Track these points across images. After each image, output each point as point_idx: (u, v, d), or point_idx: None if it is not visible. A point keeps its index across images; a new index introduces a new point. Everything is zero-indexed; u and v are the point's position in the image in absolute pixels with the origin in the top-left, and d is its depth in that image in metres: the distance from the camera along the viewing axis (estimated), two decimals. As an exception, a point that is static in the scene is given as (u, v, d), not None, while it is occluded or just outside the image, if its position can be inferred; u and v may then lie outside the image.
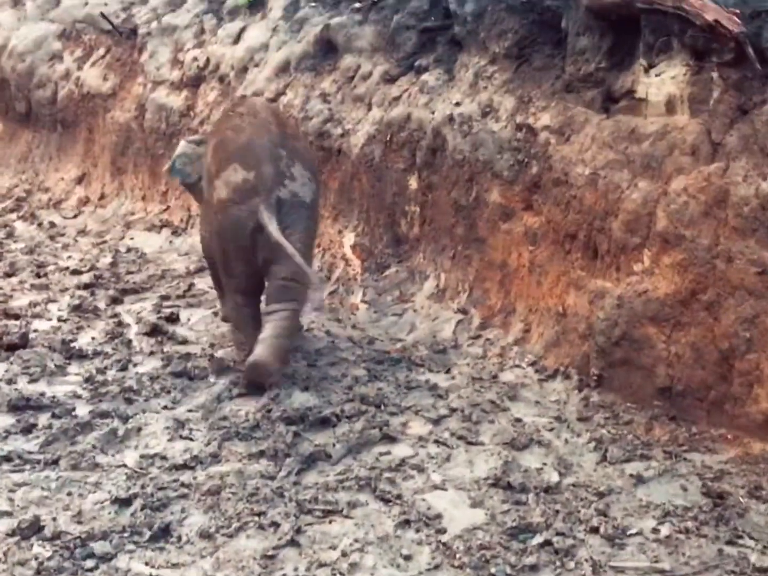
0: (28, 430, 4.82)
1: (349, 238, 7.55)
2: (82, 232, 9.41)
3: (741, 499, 4.19)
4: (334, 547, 3.83)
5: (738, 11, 4.96)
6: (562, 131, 5.84)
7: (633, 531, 3.97)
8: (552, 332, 5.72)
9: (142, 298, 7.22)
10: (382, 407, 5.18)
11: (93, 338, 6.26)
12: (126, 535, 3.87)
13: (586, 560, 3.74)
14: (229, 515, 4.03)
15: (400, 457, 4.61)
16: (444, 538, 3.90)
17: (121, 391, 5.32)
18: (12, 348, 5.91)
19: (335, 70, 8.00)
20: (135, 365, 5.80)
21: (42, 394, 5.23)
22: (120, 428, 4.83)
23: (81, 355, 5.90)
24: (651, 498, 4.24)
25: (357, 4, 8.10)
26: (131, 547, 3.81)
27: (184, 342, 6.23)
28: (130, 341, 6.20)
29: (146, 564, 3.70)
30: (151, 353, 6.00)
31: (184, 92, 9.45)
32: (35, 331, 6.29)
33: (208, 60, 9.30)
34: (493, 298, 6.28)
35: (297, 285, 5.58)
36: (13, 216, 9.99)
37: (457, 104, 6.70)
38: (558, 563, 3.73)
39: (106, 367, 5.72)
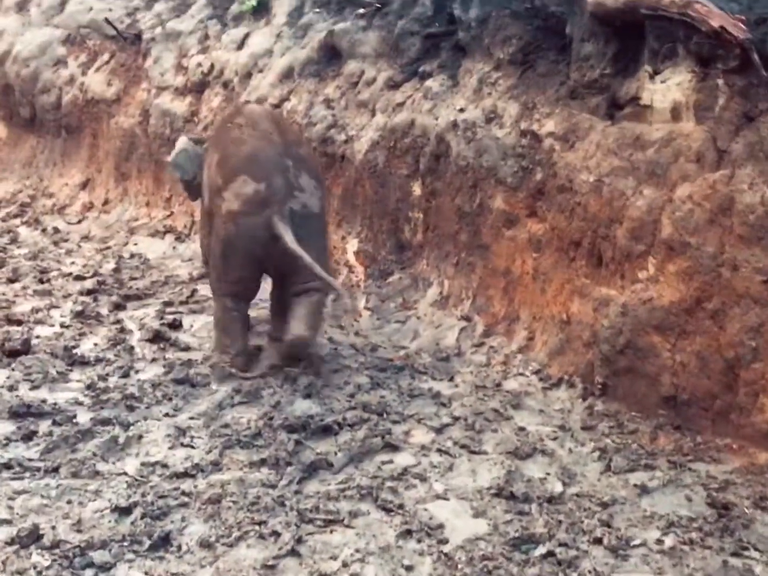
0: (28, 437, 4.80)
1: (352, 245, 7.53)
2: (86, 237, 9.40)
3: (746, 510, 4.16)
4: (334, 557, 3.81)
5: (743, 18, 4.94)
6: (566, 138, 5.82)
7: (637, 542, 3.94)
8: (556, 340, 5.69)
9: (145, 305, 7.21)
10: (385, 415, 5.16)
11: (95, 344, 6.24)
12: (125, 544, 3.85)
13: (590, 571, 3.72)
14: (229, 524, 4.00)
15: (402, 466, 4.59)
16: (446, 548, 3.87)
17: (123, 398, 5.30)
18: (14, 354, 5.89)
19: (339, 75, 7.99)
20: (137, 372, 5.78)
21: (43, 401, 5.21)
22: (121, 436, 4.81)
23: (83, 362, 5.88)
24: (655, 508, 4.21)
25: (361, 10, 8.09)
26: (131, 556, 3.78)
27: (187, 348, 6.22)
28: (132, 348, 6.18)
29: (146, 574, 3.68)
30: (153, 360, 5.99)
31: (188, 98, 9.45)
32: (37, 337, 6.28)
33: (212, 66, 9.30)
34: (496, 305, 6.25)
35: (318, 286, 5.78)
36: (17, 221, 9.98)
37: (461, 110, 6.68)
38: (561, 574, 3.71)
39: (107, 374, 5.70)
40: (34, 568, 3.64)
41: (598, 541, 3.93)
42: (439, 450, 4.79)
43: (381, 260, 7.28)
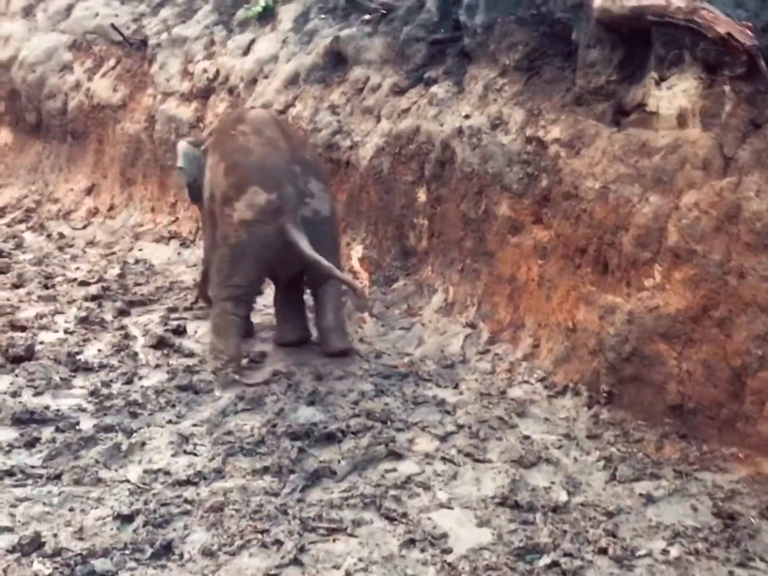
0: (31, 444, 4.78)
1: (357, 251, 7.52)
2: (91, 243, 9.41)
3: (752, 520, 4.12)
4: (337, 567, 3.78)
5: (750, 24, 4.91)
6: (572, 144, 5.80)
7: (642, 552, 3.90)
8: (561, 348, 5.66)
9: (149, 310, 7.21)
10: (389, 423, 5.13)
11: (99, 350, 6.23)
12: (127, 552, 3.81)
13: (594, 582, 3.68)
14: (231, 533, 3.97)
15: (406, 475, 4.55)
16: (449, 558, 3.84)
17: (126, 405, 5.28)
18: (17, 360, 5.88)
19: (344, 81, 7.99)
20: (140, 378, 5.77)
21: (46, 408, 5.19)
22: (124, 443, 4.79)
23: (86, 368, 5.87)
24: (661, 518, 4.17)
25: (367, 16, 8.09)
26: (132, 564, 3.75)
27: (191, 355, 6.20)
28: (136, 354, 6.17)
29: (147, 582, 3.66)
30: (157, 366, 5.97)
31: (193, 103, 9.46)
32: (41, 343, 6.27)
33: (217, 71, 9.31)
34: (501, 312, 6.22)
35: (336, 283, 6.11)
36: (23, 227, 10.01)
37: (467, 117, 6.67)
38: (565, 585, 3.67)
39: (111, 380, 5.69)
40: (36, 576, 3.63)
41: (603, 551, 3.88)
42: (443, 458, 4.76)
43: (386, 267, 7.26)
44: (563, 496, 4.36)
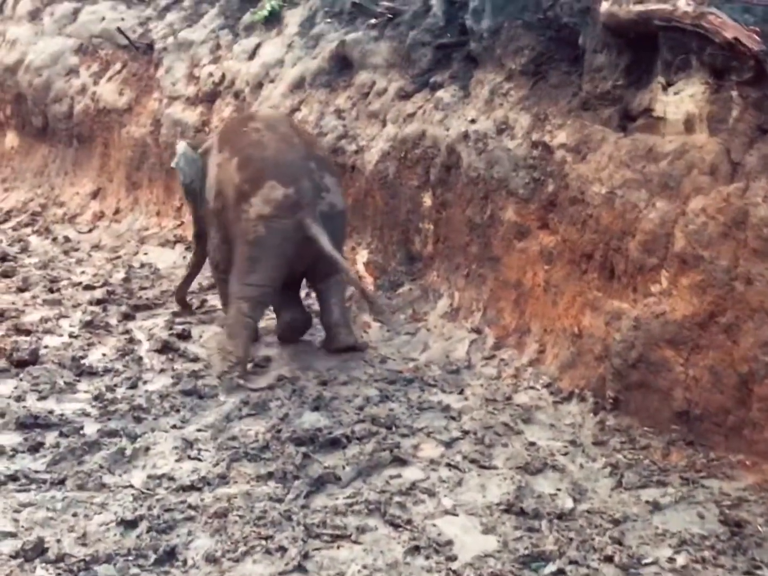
0: (35, 448, 4.77)
1: (362, 255, 7.51)
2: (96, 247, 9.40)
3: (759, 528, 4.08)
4: (341, 574, 3.76)
5: (758, 29, 4.87)
6: (578, 149, 5.78)
7: (648, 560, 3.87)
8: (567, 353, 5.63)
9: (154, 315, 7.20)
10: (394, 429, 5.11)
11: (104, 355, 6.22)
12: (131, 558, 3.80)
13: (601, 590, 3.66)
14: (235, 539, 3.95)
15: (410, 481, 4.53)
16: (454, 565, 3.81)
17: (130, 410, 5.27)
18: (22, 364, 5.88)
19: (350, 86, 7.98)
20: (145, 383, 5.76)
21: (50, 412, 5.19)
22: (128, 448, 4.77)
23: (91, 372, 5.86)
24: (667, 526, 4.14)
25: (373, 21, 8.08)
26: (135, 570, 3.73)
27: (195, 359, 6.19)
28: (140, 358, 6.16)
29: (150, 589, 3.65)
30: (162, 371, 5.97)
31: (199, 108, 9.45)
32: (46, 347, 6.27)
33: (223, 75, 9.31)
34: (507, 317, 6.20)
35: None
36: (28, 230, 10.00)
37: (473, 121, 6.65)
38: (571, 593, 3.65)
39: (115, 385, 5.68)
40: (38, 582, 3.62)
41: (609, 559, 3.86)
42: (448, 464, 4.73)
43: (391, 271, 7.25)
44: (569, 503, 4.34)
